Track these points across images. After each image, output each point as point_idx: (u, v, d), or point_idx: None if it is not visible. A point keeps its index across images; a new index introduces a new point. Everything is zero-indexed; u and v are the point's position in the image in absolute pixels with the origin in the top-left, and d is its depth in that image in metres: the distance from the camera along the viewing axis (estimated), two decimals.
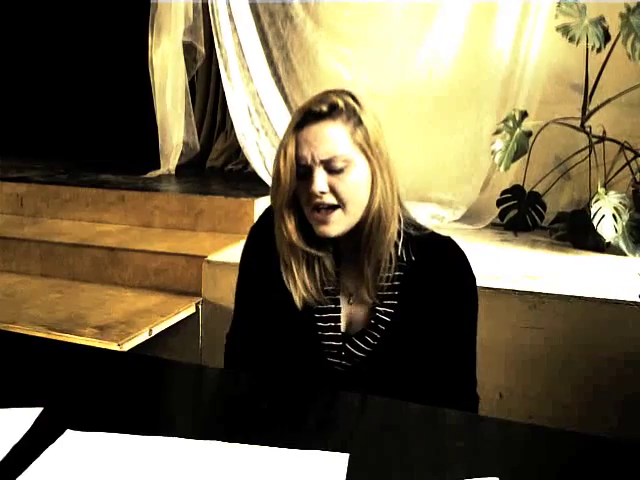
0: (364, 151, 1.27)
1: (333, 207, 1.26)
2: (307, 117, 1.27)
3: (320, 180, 1.25)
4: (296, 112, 1.31)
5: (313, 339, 1.36)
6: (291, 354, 1.37)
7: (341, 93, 1.30)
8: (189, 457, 0.93)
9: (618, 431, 2.03)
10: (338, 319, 1.36)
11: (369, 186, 1.28)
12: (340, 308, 1.36)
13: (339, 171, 1.25)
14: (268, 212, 1.41)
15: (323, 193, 1.25)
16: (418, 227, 1.37)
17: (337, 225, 1.27)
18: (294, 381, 1.27)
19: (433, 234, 1.38)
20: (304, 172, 1.26)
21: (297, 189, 1.28)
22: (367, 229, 1.29)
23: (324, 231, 1.27)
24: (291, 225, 1.30)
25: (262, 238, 1.39)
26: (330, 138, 1.25)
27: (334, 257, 1.36)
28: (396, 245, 1.32)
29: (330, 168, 1.25)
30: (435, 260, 1.34)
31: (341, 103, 1.27)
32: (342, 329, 1.36)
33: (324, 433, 1.04)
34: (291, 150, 1.26)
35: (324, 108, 1.26)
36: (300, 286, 1.32)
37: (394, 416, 1.11)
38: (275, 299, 1.36)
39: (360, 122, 1.27)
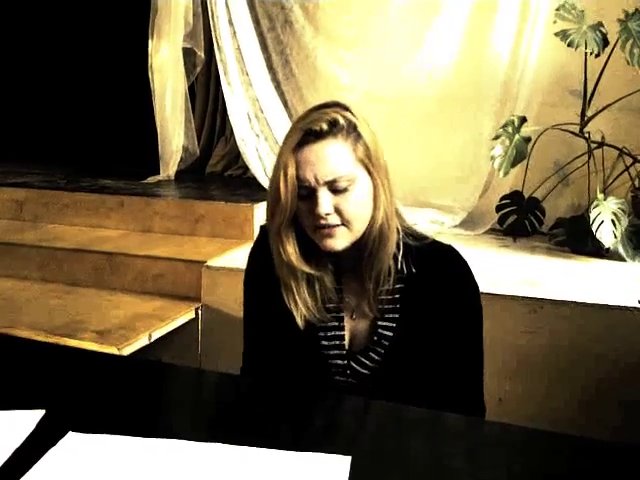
0: (366, 166, 1.25)
1: (337, 225, 1.24)
2: (307, 136, 1.22)
3: (325, 201, 1.22)
4: (293, 130, 1.26)
5: (319, 358, 1.35)
6: (298, 373, 1.35)
7: (337, 107, 1.26)
8: (190, 459, 0.93)
9: (618, 436, 2.02)
10: (342, 337, 1.35)
11: (372, 201, 1.26)
12: (344, 326, 1.35)
13: (343, 190, 1.22)
14: (264, 232, 1.38)
15: (328, 214, 1.22)
16: (418, 237, 1.34)
17: (342, 240, 1.25)
18: (295, 384, 1.27)
19: (434, 243, 1.35)
20: (307, 193, 1.23)
21: (298, 210, 1.25)
22: (370, 243, 1.27)
23: (330, 245, 1.25)
24: (290, 246, 1.27)
25: (262, 259, 1.37)
26: (333, 158, 1.22)
27: (335, 273, 1.34)
28: (395, 257, 1.30)
29: (334, 188, 1.22)
30: (436, 271, 1.32)
31: (341, 119, 1.23)
32: (346, 347, 1.35)
33: (326, 436, 1.04)
34: (292, 171, 1.22)
35: (324, 126, 1.22)
36: (301, 305, 1.30)
37: (396, 419, 1.11)
38: (280, 320, 1.34)
39: (359, 136, 1.24)
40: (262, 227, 1.42)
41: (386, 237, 1.27)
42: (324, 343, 1.35)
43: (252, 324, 1.44)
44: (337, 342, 1.34)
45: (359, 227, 1.26)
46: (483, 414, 1.35)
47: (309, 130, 1.22)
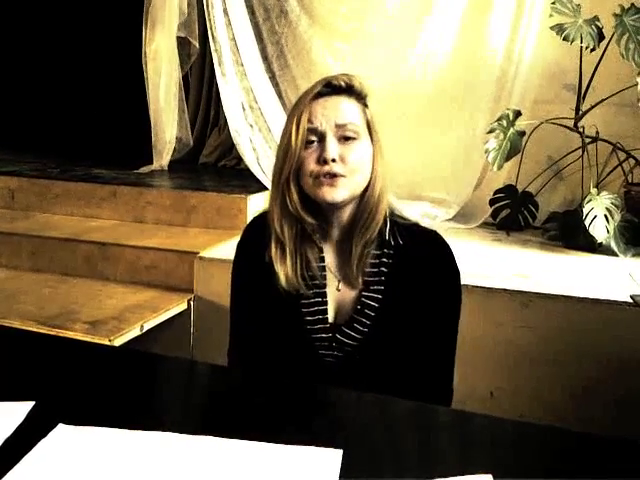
0: (370, 131, 1.33)
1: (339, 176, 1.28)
2: (325, 88, 1.31)
3: (332, 147, 1.27)
4: (313, 84, 1.33)
5: (302, 332, 1.36)
6: (283, 351, 1.37)
7: (356, 77, 1.35)
8: (182, 452, 0.93)
9: (608, 430, 2.03)
10: (325, 311, 1.36)
11: (371, 165, 1.32)
12: (327, 301, 1.37)
13: (349, 140, 1.29)
14: (250, 226, 1.45)
15: (334, 161, 1.27)
16: (402, 217, 1.40)
17: (343, 190, 1.28)
18: (287, 376, 1.27)
19: (418, 224, 1.40)
20: (315, 139, 1.29)
21: (302, 162, 1.29)
22: (367, 211, 1.31)
23: (330, 195, 1.28)
24: (295, 196, 1.31)
25: (250, 249, 1.42)
26: (345, 109, 1.31)
27: (319, 247, 1.37)
28: (381, 231, 1.34)
29: (342, 135, 1.28)
30: (422, 247, 1.36)
31: (357, 84, 1.33)
32: (330, 320, 1.37)
33: (318, 429, 1.04)
34: (305, 118, 1.29)
35: (342, 84, 1.31)
36: (289, 265, 1.33)
37: (387, 412, 1.11)
38: (266, 300, 1.37)
39: (367, 107, 1.35)
40: (250, 222, 1.46)
41: (379, 206, 1.32)
42: (308, 318, 1.36)
43: (239, 305, 1.46)
44: (320, 316, 1.36)
45: (359, 181, 1.30)
46: (450, 397, 1.37)
47: (328, 83, 1.32)
